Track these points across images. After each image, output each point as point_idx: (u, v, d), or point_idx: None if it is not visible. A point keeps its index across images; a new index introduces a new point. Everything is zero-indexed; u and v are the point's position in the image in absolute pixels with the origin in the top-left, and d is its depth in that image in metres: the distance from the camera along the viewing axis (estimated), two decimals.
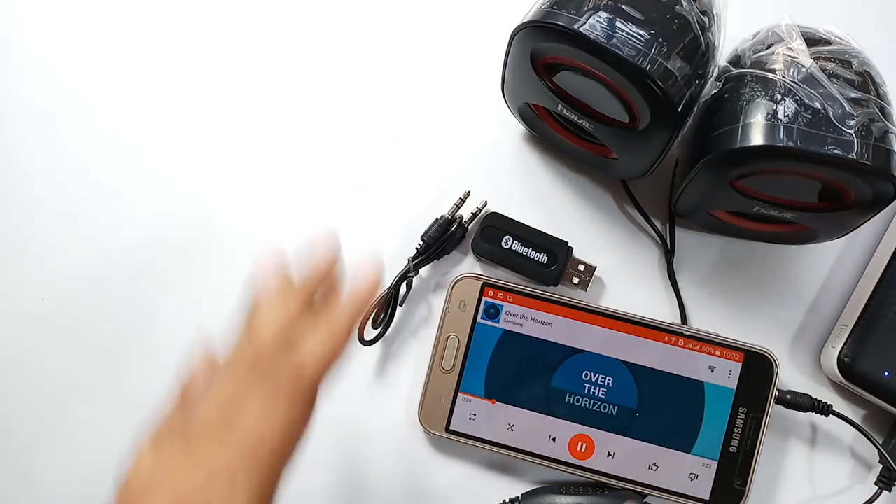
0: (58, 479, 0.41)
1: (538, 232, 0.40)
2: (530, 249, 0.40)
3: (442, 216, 0.41)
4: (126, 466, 0.26)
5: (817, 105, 0.31)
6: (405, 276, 0.40)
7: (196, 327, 0.42)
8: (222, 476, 0.24)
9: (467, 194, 0.42)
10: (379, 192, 0.43)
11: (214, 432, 0.25)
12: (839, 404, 0.40)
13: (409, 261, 0.41)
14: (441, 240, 0.41)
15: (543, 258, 0.39)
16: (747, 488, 0.38)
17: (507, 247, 0.39)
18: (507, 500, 0.39)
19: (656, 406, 0.39)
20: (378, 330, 0.40)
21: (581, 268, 0.40)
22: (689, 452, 0.38)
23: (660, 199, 0.42)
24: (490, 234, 0.40)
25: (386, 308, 0.40)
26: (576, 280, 0.40)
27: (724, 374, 0.39)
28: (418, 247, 0.41)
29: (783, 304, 0.42)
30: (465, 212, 0.42)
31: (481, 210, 0.41)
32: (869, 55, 0.34)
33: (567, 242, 0.40)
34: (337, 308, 0.30)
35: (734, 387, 0.38)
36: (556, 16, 0.32)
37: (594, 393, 0.39)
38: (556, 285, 0.40)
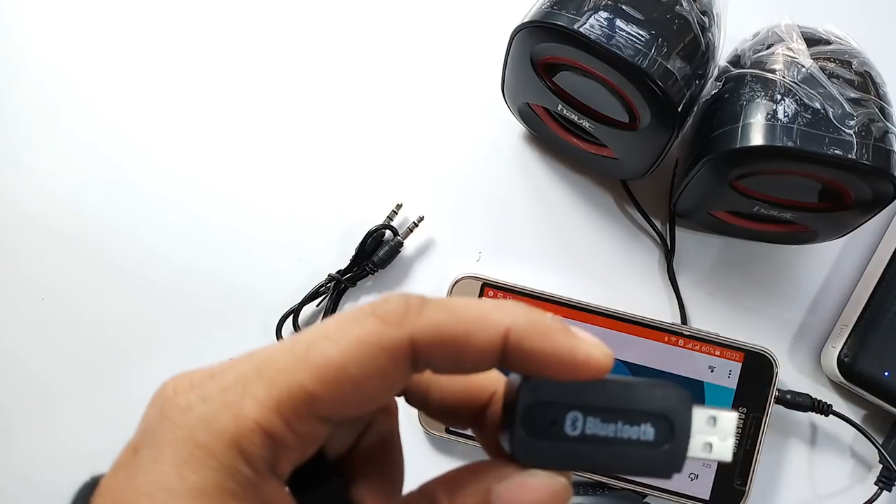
0: (56, 480, 0.41)
1: (621, 383, 0.18)
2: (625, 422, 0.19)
3: (374, 227, 0.40)
4: None
5: (817, 105, 0.31)
6: (337, 290, 0.41)
7: (195, 326, 0.42)
8: None
9: (399, 206, 0.41)
10: (378, 192, 0.43)
11: None
12: (839, 404, 0.40)
13: (337, 273, 0.40)
14: (372, 253, 0.41)
15: (650, 432, 0.18)
16: (747, 488, 0.38)
17: (577, 433, 0.18)
18: None
19: None
20: None
21: (711, 424, 0.19)
22: None
23: (660, 199, 0.42)
24: (542, 419, 0.18)
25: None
26: (708, 449, 0.19)
27: (724, 374, 0.39)
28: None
29: (783, 304, 0.42)
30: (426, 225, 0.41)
31: (417, 224, 0.41)
32: (869, 55, 0.34)
33: (678, 389, 0.19)
34: None
35: (734, 387, 0.38)
36: (556, 16, 0.32)
37: None
38: (679, 471, 0.19)
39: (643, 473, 0.18)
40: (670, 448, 0.18)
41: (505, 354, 0.16)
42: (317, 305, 0.41)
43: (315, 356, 0.15)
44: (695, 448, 0.18)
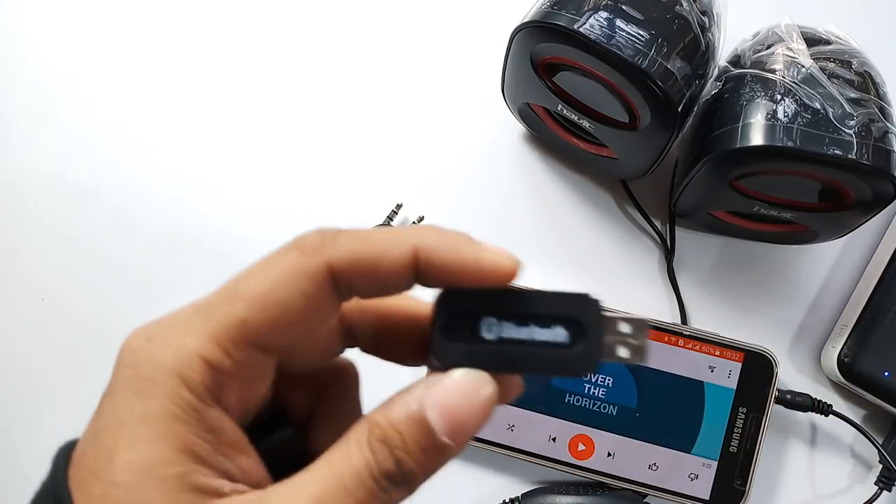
0: None
1: (535, 293, 0.20)
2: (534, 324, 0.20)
3: (374, 227, 0.40)
4: None
5: (817, 105, 0.31)
6: None
7: None
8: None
9: (399, 206, 0.41)
10: (378, 192, 0.43)
11: None
12: (839, 404, 0.40)
13: None
14: None
15: (562, 334, 0.20)
16: (747, 488, 0.38)
17: (494, 338, 0.19)
18: (507, 500, 0.39)
19: (656, 406, 0.39)
20: None
21: (625, 328, 0.21)
22: (689, 452, 0.38)
23: (660, 199, 0.42)
24: (460, 326, 0.19)
25: None
26: (624, 350, 0.21)
27: (724, 374, 0.39)
28: None
29: (783, 304, 0.42)
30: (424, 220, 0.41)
31: (417, 224, 0.41)
32: (869, 55, 0.34)
33: (587, 295, 0.21)
34: None
35: (734, 387, 0.38)
36: (556, 16, 0.32)
37: (594, 393, 0.39)
38: (595, 370, 0.23)
39: (559, 373, 0.19)
40: (583, 348, 0.19)
41: (418, 271, 0.18)
42: None
43: (243, 289, 0.17)
44: (609, 349, 0.20)
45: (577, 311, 0.20)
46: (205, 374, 0.16)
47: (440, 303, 0.19)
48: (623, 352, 0.21)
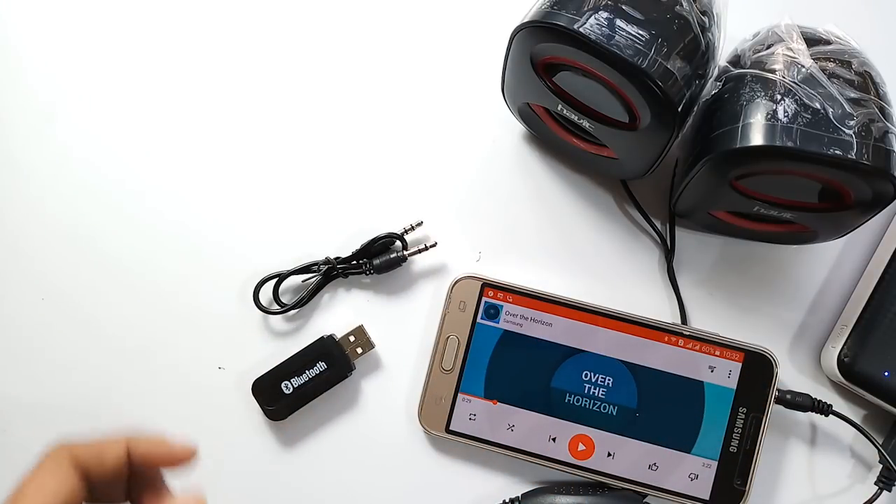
0: None
1: (296, 354, 0.39)
2: (308, 370, 0.39)
3: (387, 233, 0.41)
4: None
5: (817, 105, 0.31)
6: (328, 274, 0.41)
7: (191, 330, 0.42)
8: None
9: (419, 223, 0.41)
10: (377, 192, 0.43)
11: None
12: (839, 404, 0.40)
13: (334, 259, 0.41)
14: (375, 255, 0.41)
15: (323, 366, 0.39)
16: (747, 488, 0.38)
17: (290, 390, 0.39)
18: (507, 500, 0.39)
19: (656, 406, 0.39)
20: (287, 306, 0.41)
21: (352, 339, 0.40)
22: (689, 452, 0.38)
23: (660, 199, 0.42)
24: (269, 395, 0.39)
25: (311, 295, 0.41)
26: (359, 350, 0.40)
27: (724, 374, 0.39)
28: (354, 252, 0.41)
29: (783, 304, 0.42)
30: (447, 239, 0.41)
31: (429, 247, 0.41)
32: (869, 55, 0.34)
33: (324, 336, 0.40)
34: None
35: (734, 387, 0.38)
36: (556, 16, 0.32)
37: (594, 393, 0.39)
38: (354, 369, 0.40)
39: (334, 384, 0.39)
40: (340, 362, 0.39)
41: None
42: (302, 281, 0.41)
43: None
44: (351, 355, 0.39)
45: (322, 349, 0.39)
46: None
47: (254, 391, 0.39)
48: (360, 350, 0.39)
